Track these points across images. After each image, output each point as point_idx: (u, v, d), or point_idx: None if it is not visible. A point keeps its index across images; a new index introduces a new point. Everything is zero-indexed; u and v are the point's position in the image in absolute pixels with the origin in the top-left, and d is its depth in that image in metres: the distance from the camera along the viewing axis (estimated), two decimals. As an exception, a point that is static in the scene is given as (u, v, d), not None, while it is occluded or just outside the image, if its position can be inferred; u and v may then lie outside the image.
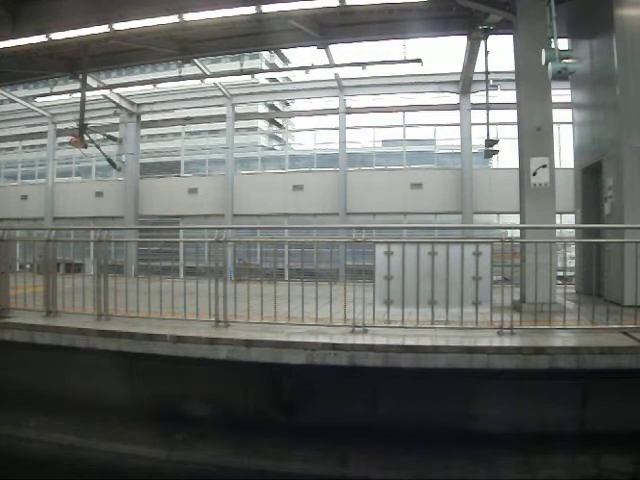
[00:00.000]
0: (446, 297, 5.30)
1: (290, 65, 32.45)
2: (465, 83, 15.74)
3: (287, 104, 28.72)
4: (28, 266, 7.46)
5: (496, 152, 13.10)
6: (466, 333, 5.14)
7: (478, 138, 15.24)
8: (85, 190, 20.13)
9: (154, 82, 15.75)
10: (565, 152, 12.25)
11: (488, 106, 12.44)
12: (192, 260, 6.46)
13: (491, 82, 12.30)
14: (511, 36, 8.19)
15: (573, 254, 9.42)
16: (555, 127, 8.18)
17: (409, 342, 4.93)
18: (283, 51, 31.52)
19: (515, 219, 9.03)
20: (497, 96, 13.99)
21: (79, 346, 5.42)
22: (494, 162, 16.92)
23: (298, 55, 33.57)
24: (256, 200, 17.88)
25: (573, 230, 10.11)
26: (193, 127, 20.95)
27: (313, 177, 18.19)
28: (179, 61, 12.67)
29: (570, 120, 9.70)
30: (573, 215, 9.32)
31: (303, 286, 5.59)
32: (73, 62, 12.16)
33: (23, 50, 10.58)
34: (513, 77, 8.18)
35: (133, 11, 9.35)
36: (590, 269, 6.66)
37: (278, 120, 30.53)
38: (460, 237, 8.69)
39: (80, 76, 12.37)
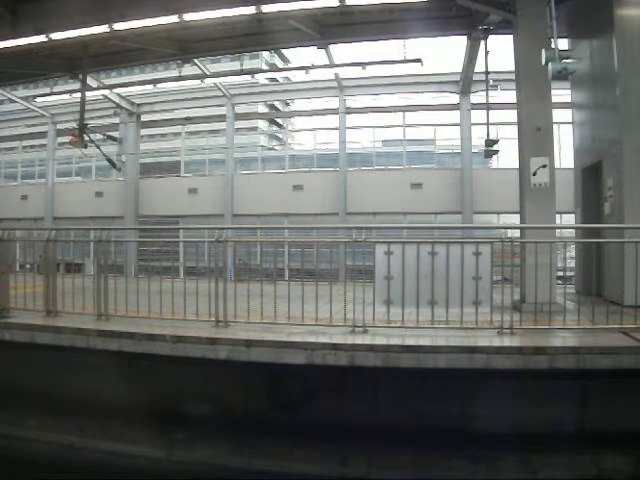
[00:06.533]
0: (446, 297, 5.30)
1: (290, 65, 32.41)
2: (465, 83, 15.73)
3: (287, 104, 28.70)
4: (28, 266, 7.45)
5: (496, 152, 13.12)
6: (466, 333, 5.14)
7: (478, 138, 15.23)
8: (85, 190, 20.12)
9: (154, 82, 15.75)
10: (565, 152, 12.25)
11: (488, 106, 12.45)
12: (192, 260, 6.47)
13: (491, 82, 12.30)
14: (511, 36, 8.20)
15: (573, 254, 9.42)
16: (555, 127, 8.17)
17: (409, 342, 4.93)
18: (283, 51, 31.52)
19: (515, 219, 9.03)
20: (497, 96, 13.98)
21: (79, 346, 5.42)
22: (494, 162, 16.93)
23: (298, 55, 33.46)
24: (256, 200, 17.86)
25: (573, 230, 10.10)
26: (193, 127, 20.94)
27: (313, 177, 18.18)
28: (179, 61, 12.65)
29: (570, 120, 9.70)
30: (573, 215, 9.32)
31: (303, 286, 5.58)
32: (73, 62, 12.16)
33: (23, 50, 10.56)
34: (513, 77, 8.18)
35: (133, 11, 9.34)
36: (590, 269, 6.65)
37: (278, 120, 30.56)
38: (460, 237, 8.69)
39: (80, 76, 12.37)
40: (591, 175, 8.56)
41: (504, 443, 4.64)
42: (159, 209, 18.82)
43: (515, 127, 8.29)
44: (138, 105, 19.12)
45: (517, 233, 7.91)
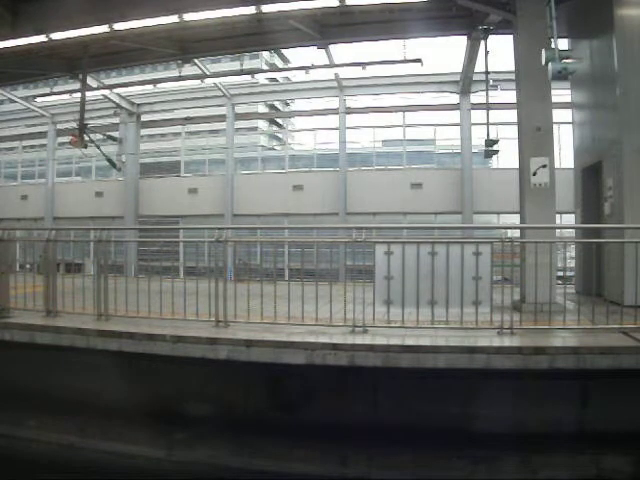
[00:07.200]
0: (446, 297, 5.30)
1: (290, 65, 32.40)
2: (465, 83, 15.74)
3: (287, 104, 28.70)
4: (28, 266, 7.45)
5: (496, 152, 13.12)
6: (466, 333, 5.14)
7: (478, 138, 15.24)
8: (85, 190, 20.12)
9: (154, 82, 15.75)
10: (565, 152, 12.25)
11: (488, 106, 12.44)
12: (192, 260, 6.47)
13: (491, 82, 12.30)
14: (511, 36, 8.20)
15: (573, 254, 9.42)
16: (555, 127, 8.17)
17: (409, 342, 4.93)
18: (283, 51, 31.51)
19: (515, 219, 9.03)
20: (497, 96, 13.98)
21: (79, 346, 5.42)
22: (494, 162, 16.93)
23: (298, 55, 33.52)
24: (256, 200, 17.87)
25: (573, 230, 10.11)
26: (193, 127, 20.94)
27: (313, 177, 18.19)
28: (179, 61, 12.65)
29: (570, 120, 9.70)
30: (573, 215, 9.32)
31: (303, 286, 5.58)
32: (73, 62, 12.15)
33: (23, 50, 10.56)
34: (513, 77, 8.18)
35: (133, 11, 9.34)
36: (590, 269, 6.66)
37: (278, 120, 30.57)
38: (460, 237, 8.70)
39: (80, 76, 12.37)
40: (591, 175, 8.56)
41: (504, 443, 4.64)
42: (159, 209, 18.82)
43: (515, 127, 8.29)
44: (138, 105, 19.12)
45: (517, 233, 7.90)
